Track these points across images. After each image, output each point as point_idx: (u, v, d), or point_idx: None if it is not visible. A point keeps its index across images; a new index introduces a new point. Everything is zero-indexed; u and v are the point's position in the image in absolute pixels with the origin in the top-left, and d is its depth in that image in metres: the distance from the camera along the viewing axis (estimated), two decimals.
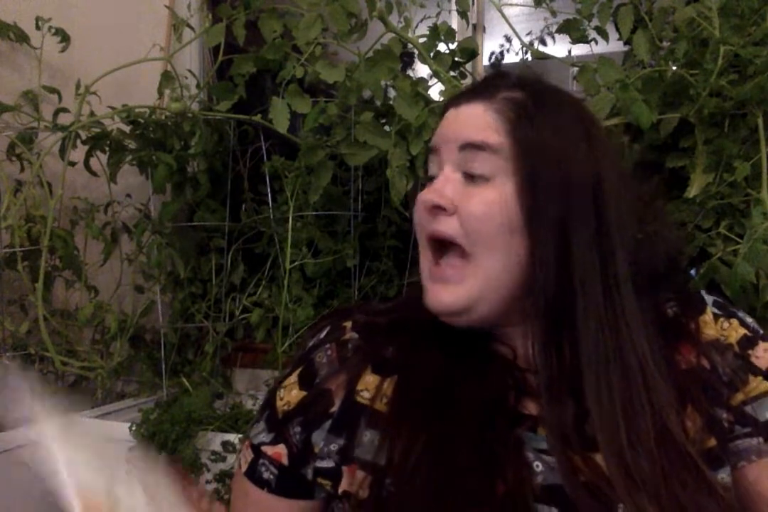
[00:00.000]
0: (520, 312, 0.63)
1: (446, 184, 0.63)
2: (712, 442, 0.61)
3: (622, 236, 0.62)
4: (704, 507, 0.56)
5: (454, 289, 0.62)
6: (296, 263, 1.24)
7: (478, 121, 0.63)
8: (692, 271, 0.95)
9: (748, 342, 0.65)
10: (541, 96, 0.64)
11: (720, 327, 0.66)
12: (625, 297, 0.61)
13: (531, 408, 0.62)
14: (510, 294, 0.62)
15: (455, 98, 0.68)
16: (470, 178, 0.63)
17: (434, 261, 0.64)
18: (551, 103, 0.64)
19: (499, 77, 0.69)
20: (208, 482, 1.13)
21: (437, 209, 0.62)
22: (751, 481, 0.62)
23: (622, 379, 0.59)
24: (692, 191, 0.95)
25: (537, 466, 0.59)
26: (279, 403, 0.67)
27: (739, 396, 0.63)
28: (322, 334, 0.71)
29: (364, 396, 0.65)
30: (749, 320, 0.68)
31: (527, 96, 0.64)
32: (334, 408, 0.65)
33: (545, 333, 0.61)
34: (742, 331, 0.66)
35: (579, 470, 0.58)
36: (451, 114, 0.67)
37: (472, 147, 0.62)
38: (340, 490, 0.64)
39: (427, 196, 0.63)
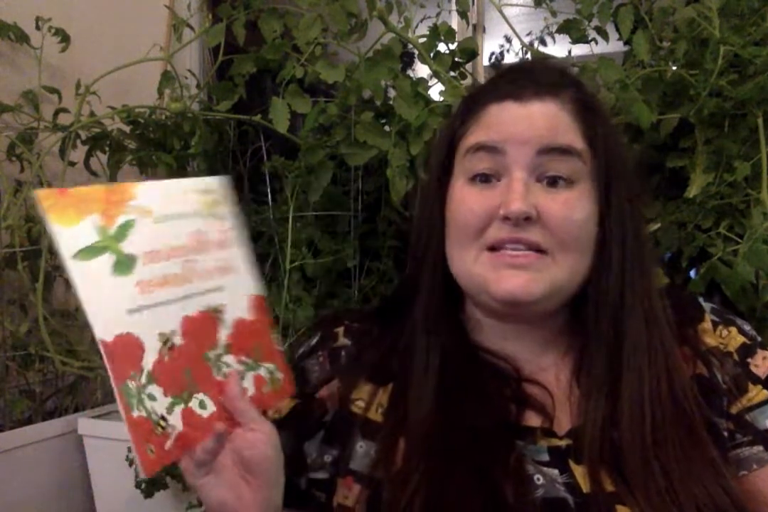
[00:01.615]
0: (556, 312, 0.64)
1: (527, 190, 0.59)
2: (714, 452, 0.60)
3: (647, 237, 0.66)
4: (720, 507, 0.55)
5: (533, 277, 0.59)
6: (296, 263, 1.24)
7: (556, 122, 0.60)
8: (692, 271, 0.95)
9: (747, 351, 0.65)
10: (593, 94, 0.64)
11: (719, 336, 0.65)
12: (657, 297, 0.63)
13: (532, 420, 0.61)
14: (570, 297, 0.63)
15: (503, 91, 0.63)
16: (550, 182, 0.60)
17: (491, 250, 0.60)
18: (599, 99, 0.65)
19: (561, 72, 0.66)
20: None
21: (527, 220, 0.58)
22: (752, 490, 0.61)
23: (654, 379, 0.60)
24: (692, 191, 0.95)
25: (538, 479, 0.58)
26: (269, 411, 0.66)
27: (739, 405, 0.63)
28: (313, 341, 0.70)
29: (359, 405, 0.64)
30: (747, 327, 0.67)
31: (587, 95, 0.63)
32: (327, 418, 0.64)
33: (602, 335, 0.62)
34: (741, 339, 0.65)
35: (601, 480, 0.57)
36: (513, 111, 0.61)
37: (556, 151, 0.59)
38: (334, 503, 0.63)
39: (517, 205, 0.58)
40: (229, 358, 0.58)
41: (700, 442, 0.57)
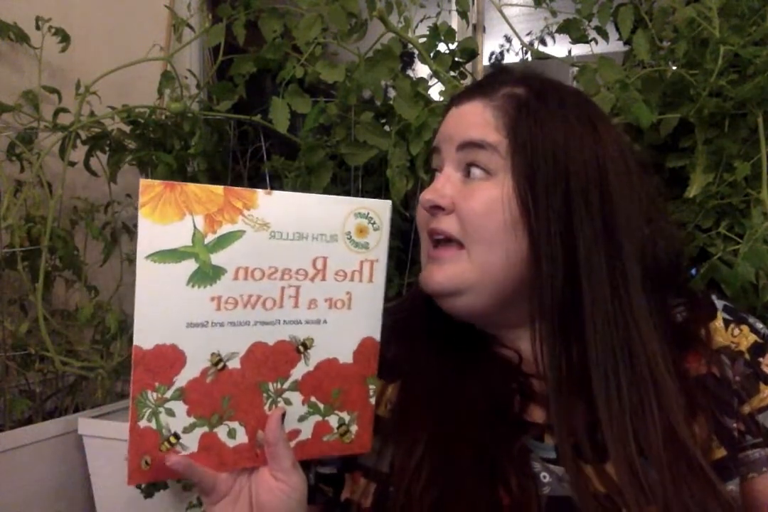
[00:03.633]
0: (526, 312, 0.61)
1: (446, 183, 0.63)
2: (722, 453, 0.59)
3: (629, 232, 0.60)
4: None
5: (448, 269, 0.61)
6: None
7: (477, 118, 0.63)
8: (692, 271, 0.94)
9: (759, 350, 0.64)
10: (544, 91, 0.64)
11: (730, 334, 0.64)
12: (633, 294, 0.60)
13: (537, 415, 0.61)
14: (513, 292, 0.61)
15: (457, 96, 0.68)
16: (470, 175, 0.62)
17: (433, 246, 0.64)
18: (554, 98, 0.63)
19: (500, 74, 0.68)
20: None
21: (436, 209, 0.62)
22: (761, 492, 0.61)
23: (631, 380, 0.58)
24: (692, 191, 0.95)
25: (544, 477, 0.57)
26: None
27: (750, 406, 0.62)
28: None
29: None
30: (760, 326, 0.66)
31: (529, 91, 0.63)
32: None
33: (552, 334, 0.60)
34: (753, 338, 0.64)
35: (589, 480, 0.56)
36: (453, 112, 0.66)
37: (471, 145, 0.62)
38: (342, 497, 0.63)
39: (426, 196, 0.63)
40: (294, 396, 0.53)
41: (688, 454, 0.56)
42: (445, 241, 0.63)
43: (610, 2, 1.06)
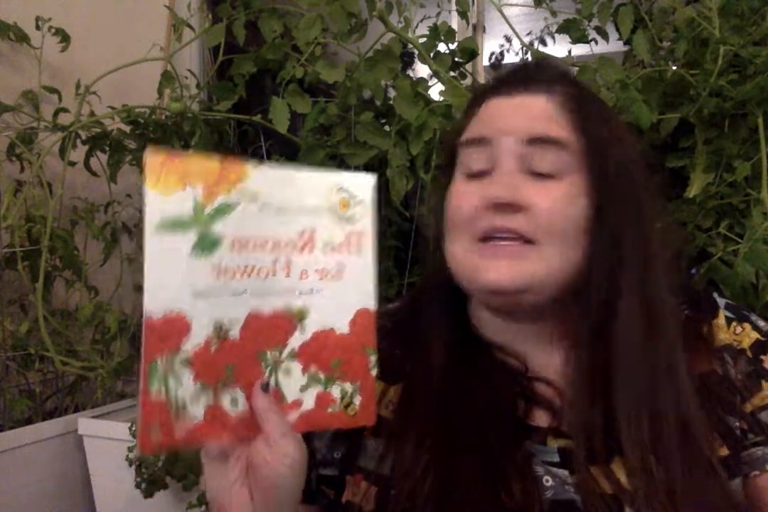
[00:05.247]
0: (556, 308, 0.62)
1: (512, 179, 0.59)
2: (725, 451, 0.59)
3: (655, 233, 0.61)
4: None
5: (518, 266, 0.58)
6: None
7: (542, 112, 0.61)
8: (692, 271, 0.94)
9: (761, 348, 0.64)
10: (590, 91, 0.65)
11: (732, 332, 0.64)
12: (663, 295, 0.61)
13: (540, 419, 0.61)
14: (561, 290, 0.60)
15: (498, 87, 0.65)
16: (534, 173, 0.60)
17: (487, 240, 0.60)
18: (598, 99, 0.64)
19: (549, 68, 0.67)
20: None
21: (505, 206, 0.59)
22: (763, 490, 0.61)
23: (652, 379, 0.58)
24: (692, 191, 0.95)
25: (546, 481, 0.57)
26: None
27: (752, 404, 0.62)
28: None
29: None
30: (762, 323, 0.66)
31: (581, 90, 0.63)
32: None
33: (588, 335, 0.60)
34: (755, 336, 0.64)
35: (595, 482, 0.56)
36: (503, 104, 0.63)
37: (540, 141, 0.59)
38: (343, 500, 0.63)
39: (496, 192, 0.59)
40: (294, 366, 0.54)
41: (702, 456, 0.56)
42: (509, 237, 0.60)
43: (610, 2, 1.06)
